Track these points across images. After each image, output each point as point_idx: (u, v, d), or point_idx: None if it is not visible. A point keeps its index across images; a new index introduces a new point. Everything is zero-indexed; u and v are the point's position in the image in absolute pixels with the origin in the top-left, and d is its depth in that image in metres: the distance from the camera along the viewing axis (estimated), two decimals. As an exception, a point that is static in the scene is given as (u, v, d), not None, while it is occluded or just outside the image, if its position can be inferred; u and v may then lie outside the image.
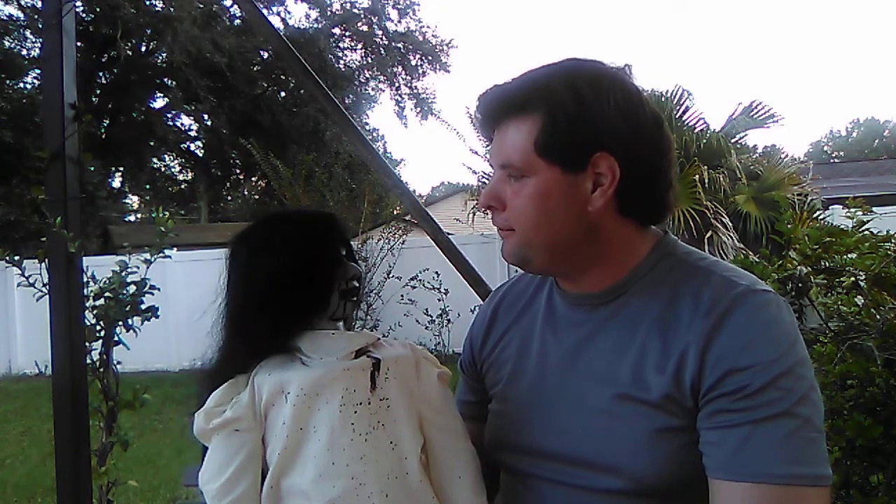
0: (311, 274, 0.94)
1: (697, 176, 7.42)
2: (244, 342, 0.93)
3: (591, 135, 0.89)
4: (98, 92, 19.04)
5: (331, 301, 0.95)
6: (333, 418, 0.87)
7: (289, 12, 25.69)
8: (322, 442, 0.87)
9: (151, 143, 20.57)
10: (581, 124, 0.89)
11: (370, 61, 21.39)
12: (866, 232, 2.10)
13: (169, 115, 21.10)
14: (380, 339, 0.98)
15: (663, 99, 8.05)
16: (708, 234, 7.23)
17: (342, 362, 0.91)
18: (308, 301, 0.94)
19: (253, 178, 21.92)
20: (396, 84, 21.45)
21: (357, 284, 0.98)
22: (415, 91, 21.55)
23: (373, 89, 22.06)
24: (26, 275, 2.45)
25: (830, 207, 7.85)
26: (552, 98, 0.89)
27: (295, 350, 0.92)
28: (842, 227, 2.10)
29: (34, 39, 16.41)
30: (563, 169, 0.90)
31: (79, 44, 8.52)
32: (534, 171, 0.91)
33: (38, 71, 15.49)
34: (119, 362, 2.54)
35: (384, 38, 20.96)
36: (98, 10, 16.62)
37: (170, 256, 2.65)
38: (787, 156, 9.21)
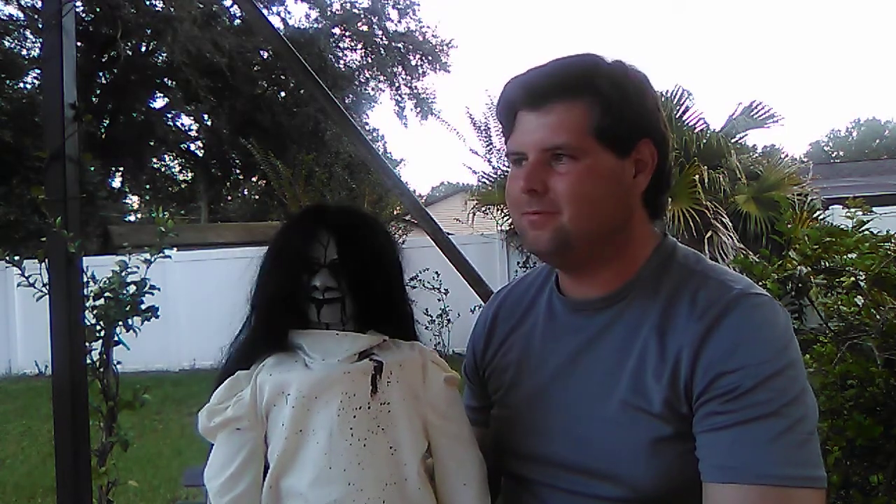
0: (274, 279, 0.93)
1: (697, 176, 7.42)
2: (243, 341, 0.95)
3: (638, 120, 0.92)
4: (98, 92, 19.01)
5: (303, 308, 0.91)
6: (332, 422, 0.87)
7: (289, 12, 25.67)
8: (320, 445, 0.86)
9: (151, 143, 20.54)
10: (630, 110, 0.91)
11: (370, 61, 21.35)
12: (866, 232, 2.10)
13: (169, 115, 21.07)
14: (386, 339, 0.95)
15: (663, 99, 8.06)
16: (708, 234, 7.23)
17: (343, 365, 0.90)
18: (280, 306, 0.92)
19: (253, 178, 21.90)
20: (396, 84, 21.43)
21: (320, 297, 0.90)
22: (415, 91, 21.52)
23: (373, 89, 22.03)
24: (26, 275, 2.44)
25: (830, 207, 7.86)
26: (604, 82, 0.91)
27: (298, 348, 0.92)
28: (842, 227, 2.11)
29: (34, 39, 16.40)
30: (615, 153, 0.92)
31: (79, 44, 8.53)
32: (587, 153, 0.91)
33: (38, 71, 15.48)
34: (119, 362, 2.54)
35: (384, 38, 20.93)
36: (98, 10, 16.61)
37: (170, 256, 2.65)
38: (787, 156, 9.24)
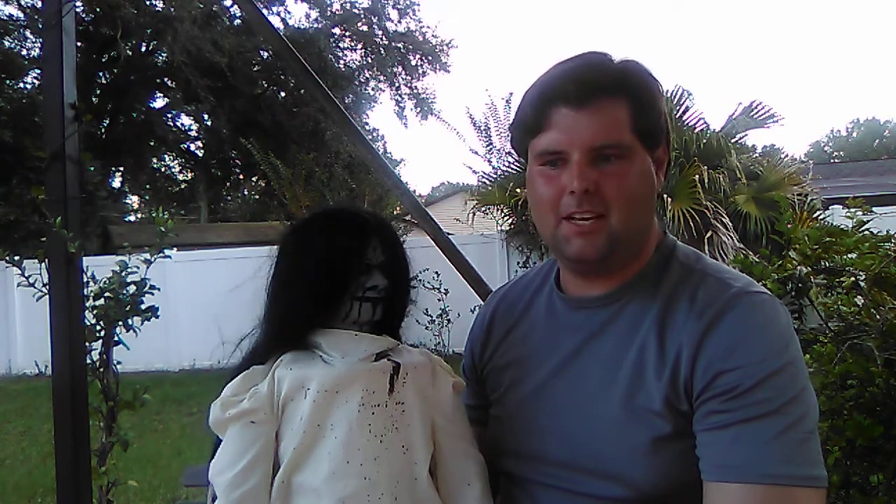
0: (320, 277, 0.93)
1: (697, 176, 7.43)
2: (262, 335, 0.97)
3: (660, 121, 0.94)
4: (98, 92, 19.00)
5: (341, 306, 0.94)
6: (352, 417, 0.89)
7: (289, 12, 25.67)
8: (339, 440, 0.88)
9: (151, 143, 20.54)
10: (656, 110, 0.93)
11: (370, 61, 21.34)
12: (866, 232, 2.10)
13: (169, 115, 21.06)
14: (399, 344, 0.99)
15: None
16: (708, 234, 7.24)
17: (364, 363, 0.92)
18: (315, 303, 0.93)
19: (253, 178, 21.89)
20: (396, 84, 21.41)
21: (374, 295, 0.95)
22: (415, 91, 21.51)
23: (373, 89, 22.02)
24: (26, 275, 2.44)
25: (830, 207, 7.86)
26: (636, 82, 0.92)
27: (316, 347, 0.93)
28: (842, 227, 2.10)
29: (34, 39, 16.40)
30: (648, 151, 0.93)
31: (79, 44, 8.52)
32: (634, 152, 0.91)
33: (38, 71, 15.47)
34: (119, 362, 2.54)
35: (384, 38, 20.92)
36: (98, 10, 16.59)
37: (170, 256, 2.66)
38: (787, 156, 9.25)
